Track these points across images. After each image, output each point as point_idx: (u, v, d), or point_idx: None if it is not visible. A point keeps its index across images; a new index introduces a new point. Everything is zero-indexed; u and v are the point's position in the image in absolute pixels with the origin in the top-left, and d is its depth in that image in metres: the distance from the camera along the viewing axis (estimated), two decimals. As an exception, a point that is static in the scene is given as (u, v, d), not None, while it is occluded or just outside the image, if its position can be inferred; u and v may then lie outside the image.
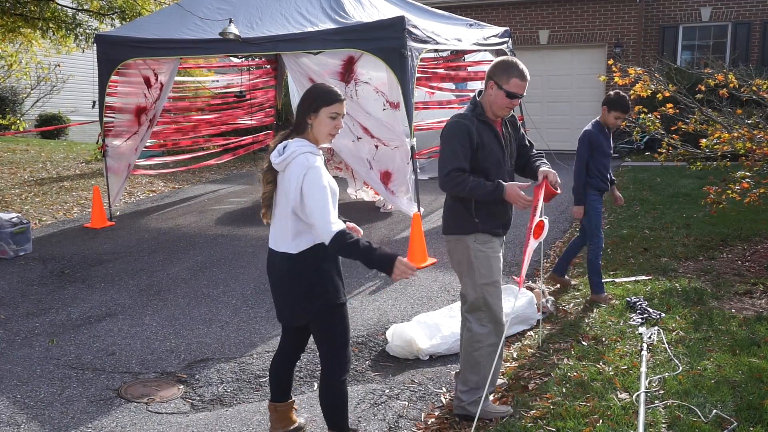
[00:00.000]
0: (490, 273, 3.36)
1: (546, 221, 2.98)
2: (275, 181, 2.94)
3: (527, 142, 3.64)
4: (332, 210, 2.77)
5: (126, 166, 8.45)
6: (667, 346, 4.19)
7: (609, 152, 5.15)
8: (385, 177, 7.22)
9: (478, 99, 3.39)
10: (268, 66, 10.96)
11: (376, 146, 7.25)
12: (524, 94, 3.32)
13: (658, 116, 6.74)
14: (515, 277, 2.67)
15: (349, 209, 8.90)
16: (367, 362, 4.30)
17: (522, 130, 3.64)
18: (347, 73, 7.20)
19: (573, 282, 5.66)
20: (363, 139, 7.24)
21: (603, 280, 5.55)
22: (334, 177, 8.42)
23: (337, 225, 2.74)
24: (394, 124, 7.19)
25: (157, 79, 8.06)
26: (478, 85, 10.24)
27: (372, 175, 7.32)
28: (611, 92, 5.10)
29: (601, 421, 3.34)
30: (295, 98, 10.94)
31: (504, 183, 3.27)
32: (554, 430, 3.30)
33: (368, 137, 7.24)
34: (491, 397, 3.66)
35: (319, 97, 2.88)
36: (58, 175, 11.47)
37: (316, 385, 4.00)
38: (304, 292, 2.92)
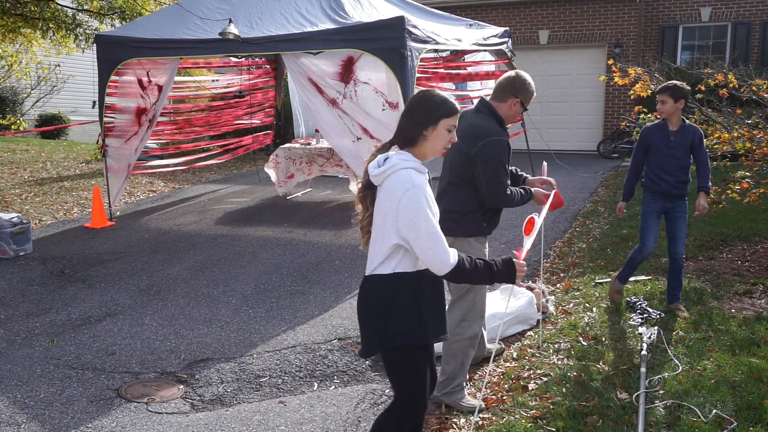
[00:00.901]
0: None
1: (537, 218, 2.92)
2: (374, 202, 2.56)
3: None
4: (440, 235, 2.42)
5: (126, 166, 8.45)
6: (667, 346, 4.20)
7: (667, 150, 4.64)
8: None
9: (495, 110, 3.55)
10: (268, 66, 10.96)
11: (376, 147, 7.23)
12: None
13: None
14: (515, 251, 2.64)
15: (349, 209, 8.90)
16: (367, 362, 4.30)
17: None
18: (346, 73, 7.20)
19: (572, 281, 5.67)
20: (363, 140, 7.23)
21: (603, 281, 5.56)
22: (334, 176, 8.35)
23: (453, 255, 2.44)
24: (394, 124, 7.19)
25: (150, 81, 8.04)
26: (478, 86, 10.29)
27: None
28: None
29: (601, 421, 3.34)
30: (295, 98, 10.97)
31: (531, 189, 3.61)
32: (554, 430, 3.31)
33: (368, 138, 7.23)
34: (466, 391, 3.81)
35: (438, 108, 2.53)
36: (58, 175, 11.47)
37: (316, 385, 4.00)
38: (375, 322, 2.55)
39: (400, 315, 2.52)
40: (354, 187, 9.26)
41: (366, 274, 2.61)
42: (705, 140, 6.28)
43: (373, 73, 7.25)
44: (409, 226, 2.41)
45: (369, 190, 2.57)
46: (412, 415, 2.64)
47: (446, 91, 9.23)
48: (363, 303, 2.61)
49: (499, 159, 3.43)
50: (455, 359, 3.63)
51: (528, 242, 2.79)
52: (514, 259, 2.56)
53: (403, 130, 2.57)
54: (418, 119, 2.53)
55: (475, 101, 3.84)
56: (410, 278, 2.52)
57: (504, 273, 2.54)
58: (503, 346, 3.93)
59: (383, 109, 7.28)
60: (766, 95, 6.12)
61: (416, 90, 7.23)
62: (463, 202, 3.56)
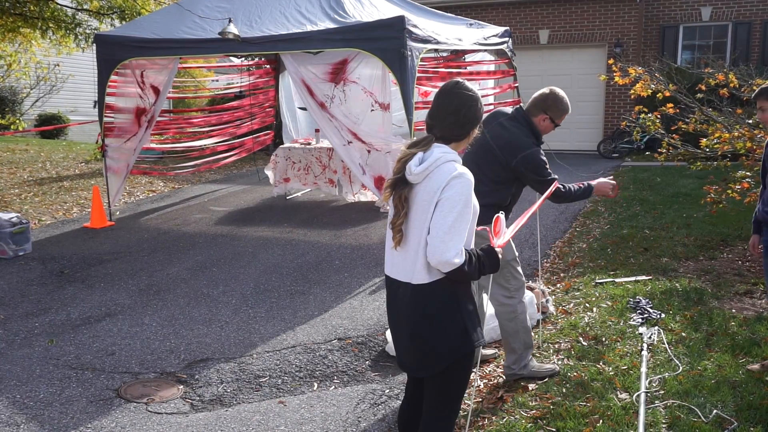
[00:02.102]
0: (511, 251, 3.82)
1: (501, 216, 2.75)
2: (409, 201, 2.44)
3: None
4: (462, 234, 2.34)
5: (125, 167, 8.44)
6: (667, 346, 4.19)
7: None
8: (379, 182, 7.19)
9: (531, 121, 3.72)
10: (268, 66, 10.95)
11: (368, 150, 7.23)
12: None
13: (659, 116, 6.73)
14: (488, 229, 2.52)
15: (349, 209, 8.90)
16: (367, 362, 4.30)
17: None
18: (337, 73, 7.20)
19: (572, 281, 5.66)
20: (353, 144, 7.23)
21: (603, 281, 5.56)
22: (327, 180, 8.32)
23: (461, 256, 2.32)
24: (383, 127, 7.21)
25: (144, 82, 8.02)
26: (477, 87, 10.28)
27: (366, 180, 7.33)
28: None
29: (601, 421, 3.34)
30: (283, 101, 10.95)
31: (592, 183, 3.84)
32: (554, 430, 3.30)
33: (358, 141, 7.23)
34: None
35: (482, 109, 2.56)
36: (57, 175, 11.46)
37: (316, 385, 4.00)
38: (435, 334, 2.43)
39: (469, 315, 2.45)
40: (350, 195, 9.21)
41: (413, 283, 2.42)
42: (705, 140, 6.28)
43: (364, 72, 7.25)
44: (440, 209, 2.33)
45: (404, 186, 2.43)
46: (454, 421, 2.60)
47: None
48: (419, 316, 2.44)
49: (541, 166, 3.59)
50: (518, 335, 3.82)
51: (500, 242, 2.63)
52: (496, 250, 2.50)
53: (452, 127, 2.49)
54: (468, 117, 2.50)
55: None
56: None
57: (489, 265, 2.49)
58: (498, 352, 3.93)
59: (372, 110, 7.28)
60: (766, 95, 6.10)
61: (416, 90, 7.24)
62: (488, 199, 3.57)
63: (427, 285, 2.41)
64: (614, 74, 6.79)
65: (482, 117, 2.57)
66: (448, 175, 2.35)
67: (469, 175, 2.39)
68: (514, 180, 3.68)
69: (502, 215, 2.71)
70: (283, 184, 9.48)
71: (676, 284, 5.38)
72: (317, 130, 9.47)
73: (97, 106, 8.25)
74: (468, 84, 2.55)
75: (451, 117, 2.48)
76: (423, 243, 2.38)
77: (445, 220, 2.31)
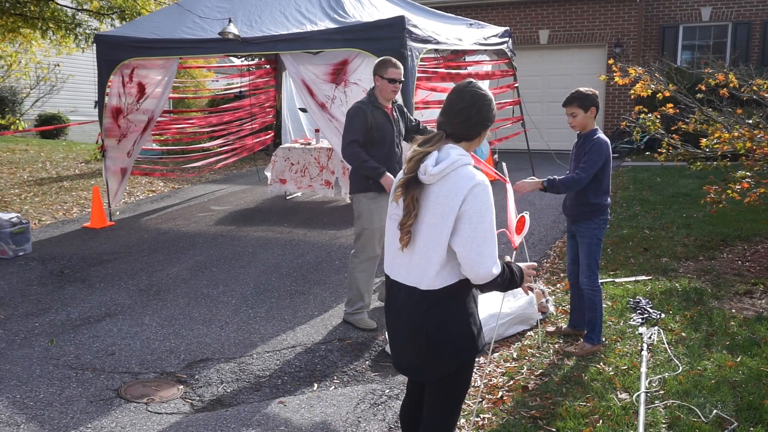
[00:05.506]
0: (370, 221, 4.68)
1: (527, 216, 2.80)
2: (420, 202, 2.37)
3: (413, 120, 5.07)
4: (495, 240, 2.30)
5: (124, 167, 8.42)
6: (667, 346, 4.19)
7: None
8: None
9: (372, 92, 4.65)
10: (268, 66, 10.95)
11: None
12: (402, 78, 4.64)
13: (658, 116, 6.73)
14: (506, 231, 2.52)
15: (349, 210, 8.89)
16: (367, 362, 4.30)
17: (408, 115, 5.01)
18: (338, 74, 7.19)
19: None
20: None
21: (603, 280, 5.56)
22: (324, 182, 8.47)
23: (498, 266, 2.32)
24: None
25: (131, 80, 7.98)
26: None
27: None
28: None
29: (601, 421, 3.34)
30: (284, 102, 10.94)
31: (385, 171, 4.48)
32: (554, 430, 3.30)
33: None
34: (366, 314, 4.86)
35: (493, 111, 2.48)
36: (57, 175, 11.46)
37: (316, 385, 4.00)
38: (442, 340, 2.39)
39: (474, 321, 2.43)
40: (347, 195, 9.19)
41: (421, 288, 2.37)
42: (705, 140, 6.28)
43: (365, 73, 7.23)
44: (468, 222, 2.26)
45: (416, 186, 2.37)
46: (456, 423, 2.58)
47: (447, 91, 9.22)
48: (427, 322, 2.38)
49: (349, 120, 4.53)
50: (353, 286, 4.77)
51: (519, 239, 2.69)
52: (522, 268, 2.51)
53: (462, 126, 2.43)
54: (480, 117, 2.43)
55: None
56: (468, 282, 2.39)
57: (516, 281, 2.48)
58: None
59: None
60: (766, 95, 6.11)
61: (417, 91, 7.23)
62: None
63: (438, 291, 2.35)
64: (614, 74, 6.78)
65: (494, 118, 2.49)
66: (467, 183, 2.29)
67: (487, 181, 2.34)
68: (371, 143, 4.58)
69: (527, 214, 2.73)
70: (278, 185, 9.46)
71: (676, 284, 5.38)
72: (317, 130, 9.46)
73: (97, 107, 8.23)
74: (481, 84, 2.51)
75: (462, 115, 2.42)
76: (433, 247, 2.32)
77: (477, 231, 2.26)
